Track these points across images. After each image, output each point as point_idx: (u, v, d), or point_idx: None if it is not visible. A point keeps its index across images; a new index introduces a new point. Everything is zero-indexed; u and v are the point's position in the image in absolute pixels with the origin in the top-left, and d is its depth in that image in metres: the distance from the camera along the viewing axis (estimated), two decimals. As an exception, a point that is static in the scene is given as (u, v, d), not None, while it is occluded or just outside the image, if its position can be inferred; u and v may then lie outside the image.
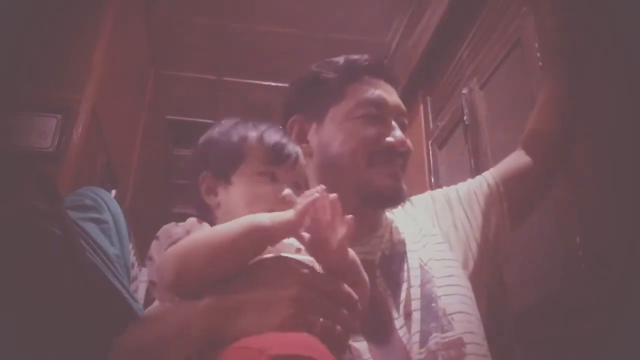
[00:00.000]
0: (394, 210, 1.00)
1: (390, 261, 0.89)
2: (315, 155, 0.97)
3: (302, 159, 0.80)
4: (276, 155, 0.77)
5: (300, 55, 2.89)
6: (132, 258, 2.09)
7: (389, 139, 0.93)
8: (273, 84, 3.13)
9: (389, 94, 0.97)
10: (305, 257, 0.69)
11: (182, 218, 0.76)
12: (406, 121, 0.99)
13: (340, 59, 1.01)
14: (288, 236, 0.66)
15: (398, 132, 0.94)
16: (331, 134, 0.95)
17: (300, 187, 0.78)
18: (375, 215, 0.97)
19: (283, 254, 0.69)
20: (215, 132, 0.82)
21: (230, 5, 2.68)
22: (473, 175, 1.95)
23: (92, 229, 1.03)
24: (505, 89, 1.86)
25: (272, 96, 3.05)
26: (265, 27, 2.79)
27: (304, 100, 1.01)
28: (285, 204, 0.73)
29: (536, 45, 1.57)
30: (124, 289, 1.01)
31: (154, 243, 0.73)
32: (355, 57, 1.01)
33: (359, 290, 0.68)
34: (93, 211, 1.10)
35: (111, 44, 2.02)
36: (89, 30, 1.96)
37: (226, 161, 0.78)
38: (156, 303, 0.81)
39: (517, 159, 1.03)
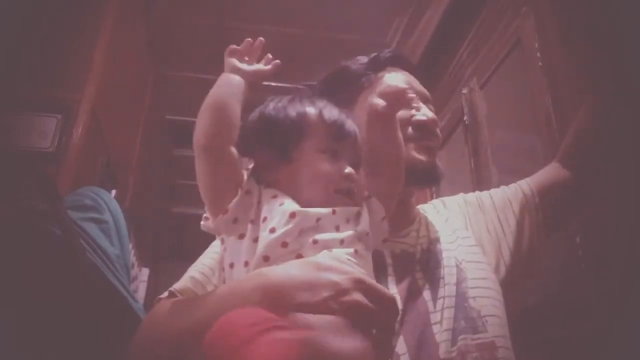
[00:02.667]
0: (426, 210, 1.01)
1: (428, 257, 0.89)
2: None
3: (360, 138, 0.80)
4: (338, 132, 0.77)
5: (300, 55, 2.89)
6: (132, 258, 2.09)
7: (421, 117, 0.96)
8: (273, 84, 3.12)
9: (414, 81, 1.01)
10: (347, 250, 0.69)
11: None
12: (432, 109, 1.01)
13: (365, 57, 1.05)
14: None
15: (429, 112, 0.97)
16: (363, 116, 0.96)
17: (358, 166, 0.77)
18: (410, 204, 0.98)
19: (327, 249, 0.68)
20: (269, 108, 0.81)
21: (230, 5, 2.68)
22: (473, 175, 1.95)
23: (92, 229, 1.03)
24: (505, 89, 1.86)
25: (272, 96, 3.04)
26: (265, 27, 2.78)
27: (334, 90, 1.02)
28: (349, 181, 0.74)
29: (536, 45, 1.57)
30: (124, 289, 1.01)
31: None
32: (378, 52, 1.05)
33: None
34: (93, 211, 1.10)
35: (111, 44, 2.02)
36: (89, 30, 1.96)
37: (286, 137, 0.77)
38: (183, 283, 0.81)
39: (554, 171, 1.03)
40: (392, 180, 0.81)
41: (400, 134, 0.81)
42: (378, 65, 1.02)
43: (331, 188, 0.73)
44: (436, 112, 1.02)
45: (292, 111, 0.79)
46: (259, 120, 0.80)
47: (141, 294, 2.74)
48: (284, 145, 0.76)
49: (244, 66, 0.82)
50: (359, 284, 0.63)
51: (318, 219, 0.70)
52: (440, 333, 0.79)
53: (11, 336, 0.76)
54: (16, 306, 0.78)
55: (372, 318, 0.62)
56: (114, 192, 1.97)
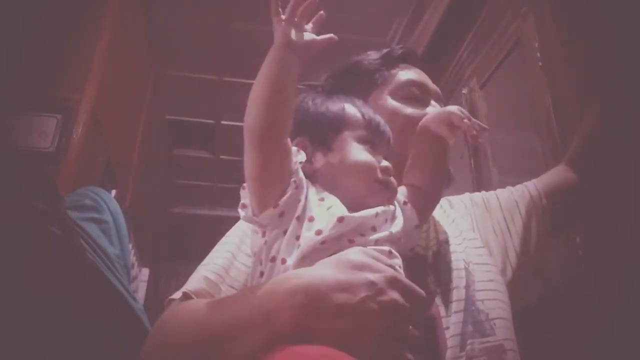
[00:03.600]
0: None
1: (439, 260, 0.88)
2: None
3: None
4: (376, 127, 0.79)
5: (300, 55, 2.89)
6: (132, 258, 2.09)
7: None
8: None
9: (428, 80, 1.01)
10: (382, 248, 0.69)
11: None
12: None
13: (377, 52, 1.05)
14: None
15: None
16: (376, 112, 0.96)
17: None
18: None
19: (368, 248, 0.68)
20: (306, 102, 0.83)
21: (230, 5, 2.68)
22: (473, 176, 1.94)
23: (92, 229, 1.03)
24: (505, 89, 1.86)
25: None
26: (265, 27, 2.77)
27: (345, 85, 1.01)
28: (387, 174, 0.76)
29: (536, 45, 1.57)
30: (124, 289, 1.01)
31: None
32: (393, 47, 1.05)
33: None
34: (93, 211, 1.10)
35: (111, 44, 2.02)
36: (89, 30, 1.96)
37: (327, 127, 0.78)
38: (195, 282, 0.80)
39: (561, 173, 1.02)
40: (431, 196, 0.84)
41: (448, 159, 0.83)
42: (390, 62, 1.01)
43: (371, 178, 0.75)
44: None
45: (332, 104, 0.81)
46: (299, 112, 0.80)
47: (141, 294, 2.74)
48: (325, 135, 0.78)
49: (298, 38, 0.75)
50: (395, 283, 0.63)
51: (361, 222, 0.70)
52: (449, 338, 0.78)
53: (11, 336, 0.76)
54: (16, 306, 0.78)
55: (407, 317, 0.62)
56: (114, 192, 1.97)
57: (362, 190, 0.74)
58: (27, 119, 1.74)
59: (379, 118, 0.81)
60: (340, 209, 0.70)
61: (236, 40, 2.88)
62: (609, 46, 1.23)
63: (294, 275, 0.65)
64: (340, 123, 0.78)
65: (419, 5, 2.58)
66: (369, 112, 0.81)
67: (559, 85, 1.45)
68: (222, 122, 3.52)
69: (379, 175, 0.75)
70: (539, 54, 1.54)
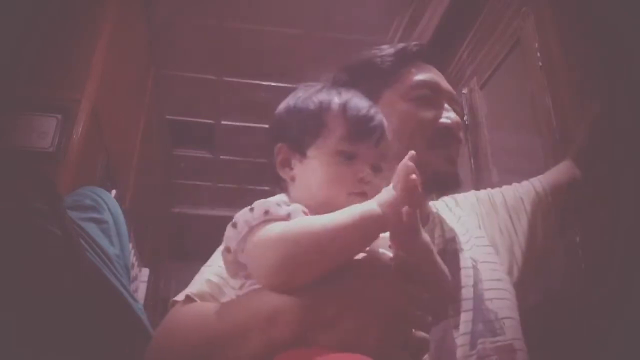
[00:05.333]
0: (438, 207, 0.99)
1: (445, 258, 0.88)
2: None
3: (388, 133, 0.74)
4: (359, 131, 0.70)
5: (300, 55, 2.89)
6: (132, 258, 2.09)
7: (445, 120, 0.92)
8: (273, 84, 3.13)
9: (442, 79, 0.97)
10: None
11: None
12: (458, 110, 0.98)
13: (391, 46, 1.01)
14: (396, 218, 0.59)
15: (453, 115, 0.93)
16: (387, 115, 0.94)
17: (381, 169, 0.72)
18: (425, 204, 0.95)
19: (378, 250, 0.65)
20: (296, 98, 0.76)
21: (230, 5, 2.68)
22: (473, 176, 1.94)
23: (92, 229, 1.03)
24: (505, 89, 1.86)
25: (272, 96, 3.05)
26: (265, 27, 2.78)
27: (357, 83, 1.00)
28: (364, 184, 0.69)
29: (536, 45, 1.57)
30: (124, 289, 1.01)
31: (246, 212, 0.65)
32: (406, 43, 1.01)
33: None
34: (93, 211, 1.10)
35: (111, 44, 2.02)
36: (89, 30, 1.96)
37: (303, 131, 0.72)
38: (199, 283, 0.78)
39: (567, 170, 1.02)
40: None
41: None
42: (404, 60, 0.98)
43: (344, 191, 0.69)
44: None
45: (314, 104, 0.73)
46: (282, 112, 0.76)
47: (141, 294, 2.74)
48: (302, 141, 0.72)
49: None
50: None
51: None
52: (459, 337, 0.78)
53: (11, 336, 0.76)
54: (16, 306, 0.78)
55: (411, 319, 0.61)
56: (114, 192, 1.97)
57: (335, 203, 0.67)
58: (27, 119, 1.74)
59: (367, 115, 0.72)
60: None
61: (236, 40, 2.88)
62: (609, 46, 1.22)
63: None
64: (317, 130, 0.71)
65: (419, 5, 2.57)
66: (355, 112, 0.72)
67: (559, 85, 1.45)
68: (222, 122, 3.52)
69: (354, 188, 0.69)
70: (539, 54, 1.54)
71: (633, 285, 1.07)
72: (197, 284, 0.79)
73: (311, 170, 0.71)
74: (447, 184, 0.92)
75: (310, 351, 0.57)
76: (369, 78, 0.97)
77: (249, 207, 0.66)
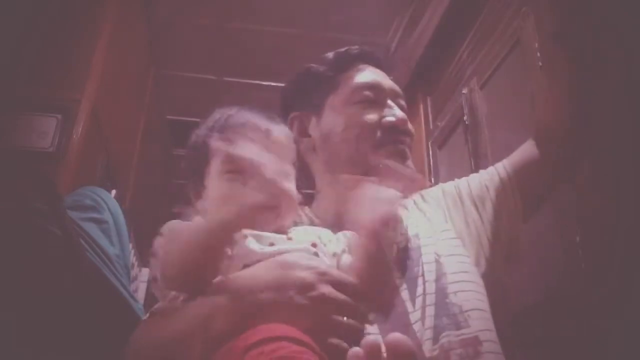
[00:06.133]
0: (405, 204, 0.98)
1: (406, 255, 0.89)
2: (318, 148, 0.97)
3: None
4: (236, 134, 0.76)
5: (300, 55, 2.88)
6: (132, 258, 2.08)
7: (390, 118, 0.93)
8: (273, 84, 3.12)
9: (383, 78, 0.99)
10: (312, 252, 0.70)
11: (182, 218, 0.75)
12: (403, 103, 0.99)
13: (331, 53, 1.03)
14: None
15: (398, 111, 0.95)
16: (332, 122, 0.95)
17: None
18: None
19: (292, 252, 0.69)
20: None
21: (230, 5, 2.68)
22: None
23: (92, 229, 1.03)
24: (505, 89, 1.86)
25: (272, 96, 3.04)
26: (265, 27, 2.78)
27: (300, 95, 1.01)
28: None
29: (536, 45, 1.57)
30: (124, 289, 1.01)
31: (158, 239, 0.72)
32: (345, 48, 1.03)
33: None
34: (93, 211, 1.10)
35: (111, 44, 2.02)
36: (89, 30, 1.96)
37: (195, 160, 0.80)
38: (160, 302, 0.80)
39: (529, 149, 1.00)
40: None
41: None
42: (345, 64, 1.00)
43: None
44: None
45: (199, 135, 0.84)
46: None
47: (141, 294, 2.74)
48: (196, 168, 0.80)
49: None
50: (325, 276, 0.64)
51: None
52: (421, 332, 0.78)
53: (11, 336, 0.76)
54: (16, 306, 0.78)
55: (342, 308, 0.63)
56: (114, 192, 1.97)
57: None
58: (27, 119, 1.74)
59: (235, 122, 0.81)
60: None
61: (236, 40, 2.88)
62: (609, 46, 1.22)
63: (227, 280, 0.66)
64: (207, 155, 0.78)
65: (419, 5, 2.57)
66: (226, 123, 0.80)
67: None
68: (222, 122, 3.52)
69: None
70: (539, 54, 1.54)
71: (633, 285, 1.07)
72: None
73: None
74: None
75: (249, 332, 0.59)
76: (311, 87, 0.99)
77: (159, 232, 0.72)
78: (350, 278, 0.66)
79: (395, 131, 0.93)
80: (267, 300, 0.62)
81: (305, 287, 0.63)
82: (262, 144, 0.72)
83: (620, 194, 1.19)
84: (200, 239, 0.64)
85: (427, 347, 0.77)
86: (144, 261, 2.88)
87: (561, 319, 1.31)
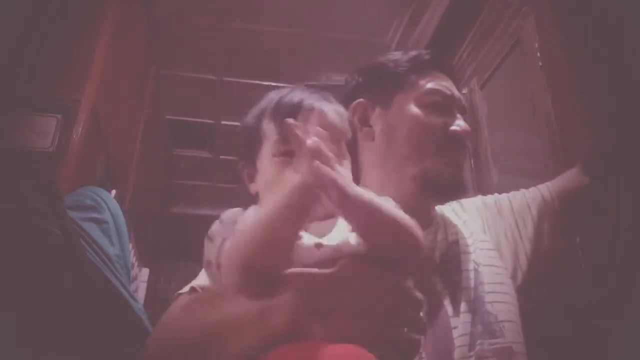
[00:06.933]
0: (444, 211, 1.00)
1: (447, 261, 0.89)
2: (377, 140, 0.97)
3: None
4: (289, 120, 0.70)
5: (300, 55, 2.89)
6: (132, 258, 2.09)
7: (455, 127, 0.94)
8: (273, 84, 3.12)
9: (454, 88, 1.00)
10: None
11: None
12: (467, 118, 1.00)
13: (404, 53, 1.03)
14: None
15: (463, 123, 0.95)
16: (397, 119, 0.96)
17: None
18: (430, 208, 0.96)
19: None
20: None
21: (230, 5, 2.68)
22: (473, 176, 1.94)
23: (92, 229, 1.03)
24: (505, 89, 1.86)
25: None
26: (265, 27, 2.78)
27: (370, 85, 1.00)
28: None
29: (536, 45, 1.57)
30: (124, 289, 1.01)
31: (216, 225, 0.69)
32: (421, 50, 1.04)
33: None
34: (93, 211, 1.10)
35: (111, 44, 2.02)
36: (89, 30, 1.96)
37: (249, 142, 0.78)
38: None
39: (575, 177, 1.02)
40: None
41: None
42: (420, 66, 1.00)
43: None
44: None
45: (252, 116, 0.80)
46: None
47: (141, 294, 2.74)
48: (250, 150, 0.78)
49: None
50: (407, 297, 0.62)
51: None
52: (457, 338, 0.78)
53: (11, 336, 0.76)
54: (16, 307, 0.78)
55: (403, 318, 0.61)
56: (114, 192, 1.97)
57: None
58: (27, 119, 1.74)
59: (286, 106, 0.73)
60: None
61: (236, 40, 2.88)
62: (609, 46, 1.22)
63: (301, 273, 0.63)
64: (259, 137, 0.75)
65: (419, 5, 2.57)
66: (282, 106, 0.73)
67: (559, 85, 1.45)
68: (222, 122, 3.52)
69: None
70: (539, 54, 1.54)
71: (633, 285, 1.07)
72: (202, 276, 0.79)
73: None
74: (452, 190, 0.94)
75: (304, 344, 0.57)
76: (382, 81, 0.99)
77: (220, 218, 0.68)
78: (421, 295, 0.64)
79: (457, 141, 0.94)
80: (329, 301, 0.59)
81: (390, 307, 0.60)
82: (316, 124, 0.68)
83: (620, 195, 1.19)
84: (273, 217, 0.59)
85: (462, 353, 0.77)
86: (144, 261, 2.89)
87: (561, 319, 1.31)
